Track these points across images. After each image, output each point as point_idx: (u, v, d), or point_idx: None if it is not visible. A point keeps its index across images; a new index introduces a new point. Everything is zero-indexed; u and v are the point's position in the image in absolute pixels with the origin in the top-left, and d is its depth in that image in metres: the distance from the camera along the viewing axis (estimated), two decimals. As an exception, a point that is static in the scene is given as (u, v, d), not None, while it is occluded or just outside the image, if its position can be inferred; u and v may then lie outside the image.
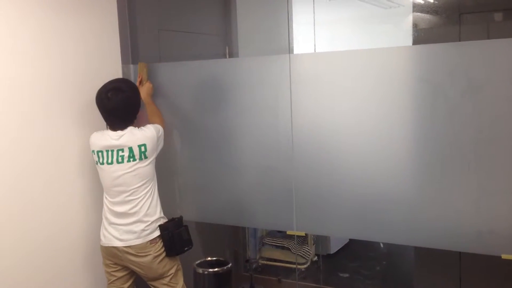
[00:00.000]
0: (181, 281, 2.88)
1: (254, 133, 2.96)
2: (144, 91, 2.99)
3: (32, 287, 2.72)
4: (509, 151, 2.35)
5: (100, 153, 2.72)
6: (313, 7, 3.71)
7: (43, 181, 2.77)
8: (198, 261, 3.36)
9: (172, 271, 2.82)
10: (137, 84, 2.99)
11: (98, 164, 2.75)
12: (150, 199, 2.75)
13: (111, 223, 2.76)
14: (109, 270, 2.84)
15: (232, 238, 4.37)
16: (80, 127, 2.95)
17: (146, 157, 2.72)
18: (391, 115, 2.61)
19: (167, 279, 2.82)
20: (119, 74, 3.18)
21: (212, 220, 3.19)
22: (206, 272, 3.29)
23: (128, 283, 2.88)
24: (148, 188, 2.75)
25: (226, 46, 4.18)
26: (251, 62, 2.95)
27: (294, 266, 4.21)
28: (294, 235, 3.68)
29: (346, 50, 2.68)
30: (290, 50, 3.79)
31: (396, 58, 2.57)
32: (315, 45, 3.82)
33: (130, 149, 2.68)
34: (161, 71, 3.20)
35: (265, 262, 4.40)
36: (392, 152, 2.63)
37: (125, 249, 2.72)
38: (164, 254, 2.77)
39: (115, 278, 2.84)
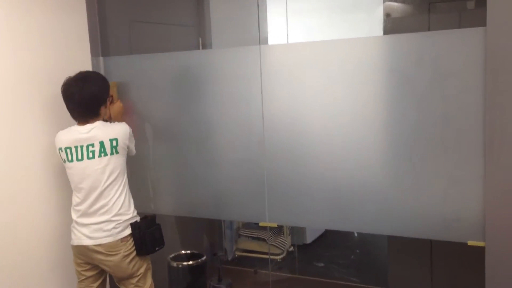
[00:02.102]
0: (149, 282, 2.84)
1: (226, 125, 2.95)
2: (114, 110, 2.92)
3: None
4: (475, 140, 2.38)
5: (68, 150, 2.66)
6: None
7: (8, 179, 2.72)
8: (173, 255, 3.34)
9: (141, 270, 2.78)
10: (108, 104, 2.87)
11: (67, 162, 2.68)
12: (122, 196, 2.70)
13: (80, 222, 2.70)
14: (79, 269, 2.80)
15: (208, 230, 4.37)
16: (47, 123, 2.90)
17: (117, 152, 2.67)
18: (361, 105, 2.62)
19: (135, 279, 2.77)
20: (88, 67, 3.13)
21: (186, 214, 3.18)
22: (180, 266, 3.28)
23: (97, 283, 2.83)
24: (120, 184, 2.69)
25: (199, 38, 4.15)
26: (221, 53, 2.95)
27: (270, 257, 4.23)
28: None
29: (315, 41, 2.68)
30: (260, 41, 3.79)
31: (364, 49, 2.58)
32: (287, 36, 3.81)
33: (101, 144, 2.63)
34: (132, 63, 3.17)
35: (241, 253, 4.41)
36: (362, 143, 2.65)
37: (95, 247, 2.67)
38: (134, 253, 2.72)
39: (84, 277, 2.80)
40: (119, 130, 2.71)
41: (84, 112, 2.67)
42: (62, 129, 2.74)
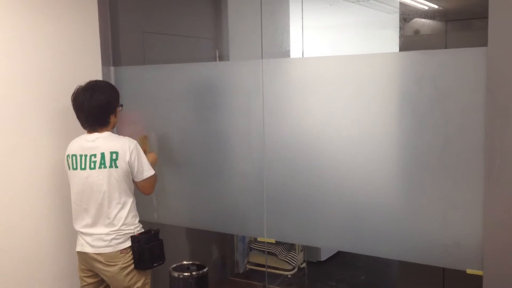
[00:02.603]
0: None
1: (227, 137, 2.94)
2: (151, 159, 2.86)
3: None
4: (476, 163, 2.28)
5: (74, 157, 2.69)
6: (302, 11, 3.66)
7: (13, 187, 2.79)
8: (174, 265, 3.33)
9: (139, 285, 2.75)
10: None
11: (71, 169, 2.71)
12: (125, 209, 2.68)
13: (83, 231, 2.72)
14: (82, 274, 2.82)
15: (220, 242, 4.35)
16: (56, 132, 2.96)
17: (116, 166, 2.63)
18: (361, 123, 2.56)
19: None
20: (99, 76, 3.18)
21: (185, 224, 3.18)
22: (181, 276, 3.27)
23: None
24: (121, 197, 2.67)
25: (216, 50, 4.16)
26: (224, 66, 2.95)
27: (280, 272, 4.17)
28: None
29: (316, 57, 2.65)
30: (282, 54, 3.77)
31: (365, 65, 2.53)
32: (303, 51, 3.78)
33: (102, 155, 2.63)
34: (143, 74, 3.21)
35: (252, 267, 4.37)
36: (362, 163, 2.58)
37: (95, 256, 2.69)
38: (132, 266, 2.71)
39: (86, 283, 2.83)
40: (122, 144, 2.66)
41: (93, 121, 2.69)
42: (71, 138, 2.77)
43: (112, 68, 3.26)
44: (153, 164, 2.86)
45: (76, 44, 3.06)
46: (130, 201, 2.72)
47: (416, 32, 3.46)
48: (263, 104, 2.78)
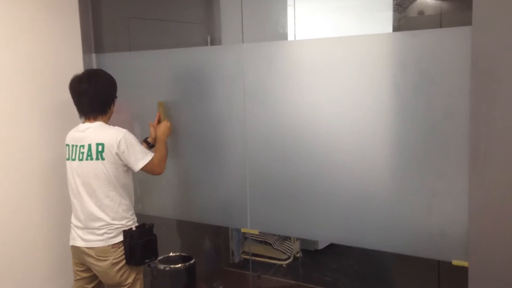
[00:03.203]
0: None
1: (209, 126, 2.85)
2: (160, 129, 2.82)
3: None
4: (460, 150, 2.16)
5: (67, 147, 2.63)
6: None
7: (4, 181, 2.75)
8: (160, 257, 3.27)
9: (130, 280, 2.67)
10: (155, 123, 2.88)
11: (66, 160, 2.65)
12: (116, 203, 2.59)
13: (75, 224, 2.66)
14: (75, 268, 2.76)
15: (214, 232, 4.28)
16: (39, 125, 2.89)
17: (103, 158, 2.54)
18: (345, 110, 2.45)
19: None
20: (79, 64, 3.11)
21: (168, 215, 3.11)
22: (167, 268, 3.21)
23: (92, 284, 2.78)
24: (111, 190, 2.57)
25: (208, 35, 4.05)
26: (206, 51, 2.84)
27: (275, 261, 4.09)
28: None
29: (296, 40, 2.54)
30: (281, 37, 3.64)
31: (346, 48, 2.41)
32: (295, 33, 3.65)
33: (89, 146, 2.55)
34: (127, 60, 3.12)
35: (247, 257, 4.29)
36: (346, 151, 2.47)
37: (86, 250, 2.62)
38: (123, 262, 2.63)
39: (79, 277, 2.77)
40: (109, 136, 2.55)
41: (96, 107, 2.60)
42: (55, 131, 2.74)
43: (94, 56, 3.17)
44: (164, 135, 2.78)
45: (54, 32, 2.98)
46: (120, 195, 2.61)
47: (415, 12, 3.32)
48: (244, 90, 2.68)
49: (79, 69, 3.05)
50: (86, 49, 3.14)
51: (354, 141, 2.44)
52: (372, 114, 2.38)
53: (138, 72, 3.05)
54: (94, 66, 3.15)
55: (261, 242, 4.22)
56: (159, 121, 2.91)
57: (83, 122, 2.64)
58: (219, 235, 4.31)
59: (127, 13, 3.42)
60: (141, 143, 2.76)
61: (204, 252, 4.19)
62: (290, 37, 3.84)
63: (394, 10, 3.29)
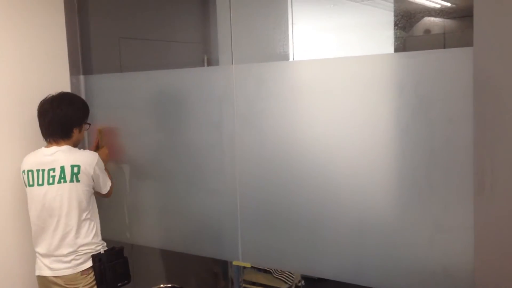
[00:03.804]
0: None
1: (198, 150, 2.70)
2: (101, 157, 2.69)
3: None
4: (464, 181, 1.97)
5: (30, 173, 2.50)
6: (291, 9, 3.37)
7: None
8: (152, 288, 3.11)
9: None
10: (92, 148, 2.84)
11: (27, 186, 2.53)
12: (85, 227, 2.51)
13: (41, 252, 2.53)
14: None
15: (213, 259, 4.09)
16: (17, 144, 2.75)
17: (78, 180, 2.47)
18: (343, 136, 2.28)
19: None
20: (67, 86, 2.99)
21: (155, 245, 2.95)
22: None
23: None
24: (81, 214, 2.50)
25: (205, 55, 3.91)
26: (192, 73, 2.69)
27: (275, 291, 3.89)
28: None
29: (286, 61, 2.39)
30: (282, 57, 3.49)
31: (341, 69, 2.25)
32: (293, 53, 3.50)
33: (62, 169, 2.46)
34: (116, 82, 2.99)
35: (247, 285, 4.10)
36: (345, 180, 2.29)
37: (54, 279, 2.50)
38: None
39: None
40: (84, 158, 2.52)
41: (55, 131, 2.52)
42: (33, 149, 2.60)
43: (82, 77, 3.05)
44: (105, 161, 2.71)
45: (40, 53, 2.86)
46: (91, 218, 2.55)
47: (416, 31, 3.15)
48: (234, 113, 2.53)
49: (66, 90, 2.92)
50: (74, 71, 3.01)
51: (351, 169, 2.27)
52: (370, 140, 2.20)
53: (125, 94, 2.93)
54: (82, 88, 3.04)
55: (260, 270, 4.03)
56: (97, 147, 2.86)
57: (47, 146, 2.54)
58: (218, 262, 4.13)
59: (118, 33, 3.29)
60: None
61: (202, 281, 4.02)
62: (289, 57, 3.69)
63: (397, 29, 3.12)
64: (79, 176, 2.47)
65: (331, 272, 2.40)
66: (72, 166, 2.46)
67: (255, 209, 2.54)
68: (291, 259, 2.49)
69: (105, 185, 2.64)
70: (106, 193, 2.69)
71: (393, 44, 3.11)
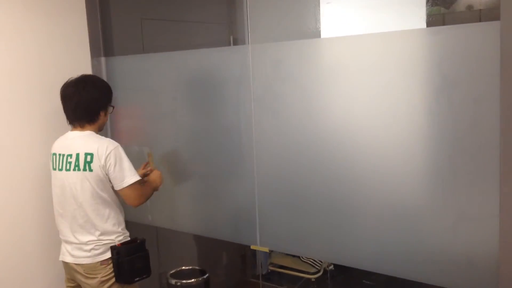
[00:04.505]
0: None
1: (216, 133, 2.64)
2: (151, 177, 2.60)
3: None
4: (490, 166, 1.84)
5: (54, 157, 2.47)
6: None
7: (3, 188, 2.66)
8: (173, 271, 3.09)
9: None
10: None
11: (51, 169, 2.50)
12: (104, 217, 2.42)
13: (63, 238, 2.52)
14: (67, 284, 2.60)
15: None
16: (37, 129, 2.76)
17: (91, 170, 2.36)
18: (365, 115, 2.16)
19: None
20: (88, 69, 2.97)
21: (179, 228, 2.92)
22: (178, 283, 3.02)
23: None
24: (100, 204, 2.40)
25: (231, 35, 3.83)
26: (211, 53, 2.62)
27: (303, 275, 3.84)
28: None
29: (305, 40, 2.28)
30: (313, 35, 3.37)
31: (365, 47, 2.13)
32: (320, 30, 3.36)
33: (77, 156, 2.38)
34: (139, 63, 2.94)
35: (274, 268, 4.06)
36: (366, 163, 2.18)
37: (74, 266, 2.47)
38: (113, 280, 2.45)
39: None
40: (98, 146, 2.37)
41: (81, 114, 2.43)
42: (59, 135, 2.56)
43: (103, 59, 3.02)
44: (154, 182, 2.58)
45: (61, 35, 2.85)
46: (109, 208, 2.44)
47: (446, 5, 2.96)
48: (251, 96, 2.45)
49: (87, 72, 2.91)
50: (95, 52, 2.99)
51: (375, 152, 2.15)
52: (394, 123, 2.08)
53: (145, 75, 2.88)
54: (103, 70, 3.01)
55: (288, 254, 3.97)
56: (144, 172, 2.69)
57: (72, 130, 2.48)
58: (246, 245, 4.10)
59: (140, 14, 3.25)
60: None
61: (229, 263, 4.00)
62: (320, 34, 3.56)
63: (432, 5, 2.94)
64: (91, 165, 2.36)
65: (351, 259, 2.31)
66: (86, 154, 2.37)
67: (273, 193, 2.47)
68: (311, 245, 2.42)
69: (120, 181, 2.38)
70: (126, 196, 2.43)
71: (425, 20, 2.93)
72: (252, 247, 2.58)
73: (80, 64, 2.93)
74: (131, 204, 2.46)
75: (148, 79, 2.86)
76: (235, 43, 3.77)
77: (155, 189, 2.59)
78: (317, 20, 2.83)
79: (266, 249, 2.55)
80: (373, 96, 2.11)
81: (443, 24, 2.75)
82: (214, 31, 3.75)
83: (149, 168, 2.68)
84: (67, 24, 2.87)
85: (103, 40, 3.03)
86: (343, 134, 2.23)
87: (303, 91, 2.30)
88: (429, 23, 2.86)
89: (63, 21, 2.84)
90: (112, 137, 2.83)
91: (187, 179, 2.77)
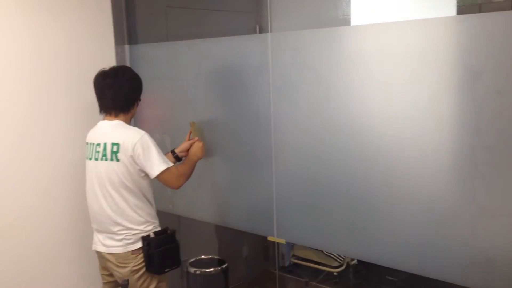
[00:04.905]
0: None
1: (236, 123, 2.62)
2: (192, 150, 2.62)
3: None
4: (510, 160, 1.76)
5: (87, 146, 2.50)
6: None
7: (38, 178, 2.73)
8: (192, 259, 3.10)
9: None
10: (187, 140, 2.69)
11: (86, 158, 2.52)
12: (134, 207, 2.43)
13: (95, 228, 2.55)
14: (101, 272, 2.66)
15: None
16: (63, 116, 2.81)
17: (117, 160, 2.37)
18: (389, 107, 2.09)
19: None
20: (111, 57, 2.99)
21: (197, 217, 2.92)
22: (198, 272, 3.02)
23: None
24: (127, 194, 2.41)
25: (256, 24, 3.78)
26: (228, 42, 2.59)
27: (325, 268, 3.80)
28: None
29: (325, 28, 2.23)
30: (341, 23, 3.30)
31: (390, 36, 2.06)
32: (345, 18, 3.27)
33: (105, 146, 2.39)
34: (163, 51, 2.94)
35: (296, 261, 4.03)
36: (386, 157, 2.11)
37: (106, 255, 2.50)
38: (144, 269, 2.48)
39: (106, 282, 2.67)
40: (125, 136, 2.38)
41: (117, 105, 2.45)
42: (89, 128, 2.58)
43: (127, 47, 3.03)
44: (195, 155, 2.58)
45: (85, 22, 2.88)
46: (138, 198, 2.45)
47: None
48: (270, 85, 2.41)
49: (111, 61, 2.96)
50: (119, 40, 3.00)
51: (396, 144, 2.08)
52: (414, 114, 2.01)
53: (167, 63, 2.88)
54: (127, 58, 3.02)
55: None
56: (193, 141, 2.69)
57: (103, 119, 2.49)
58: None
59: (165, 2, 3.25)
60: (167, 153, 2.61)
61: (250, 254, 3.99)
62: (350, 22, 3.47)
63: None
64: (118, 155, 2.37)
65: (369, 254, 2.26)
66: (113, 144, 2.38)
67: (291, 184, 2.44)
68: (328, 238, 2.37)
69: (151, 169, 2.38)
70: (164, 181, 2.45)
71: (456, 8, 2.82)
72: (269, 238, 2.56)
73: (104, 52, 2.96)
74: (171, 187, 2.50)
75: (170, 67, 2.86)
76: (261, 31, 3.73)
77: (196, 161, 2.58)
78: (342, 7, 2.76)
79: (283, 241, 2.52)
80: (396, 87, 2.04)
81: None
82: (240, 19, 3.71)
83: (195, 139, 2.65)
84: (91, 12, 2.90)
85: (128, 28, 3.04)
86: (364, 126, 2.17)
87: (324, 81, 2.25)
88: (463, 12, 2.75)
89: (87, 9, 2.87)
90: (136, 125, 2.86)
91: (205, 168, 2.75)
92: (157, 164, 2.39)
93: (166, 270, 2.51)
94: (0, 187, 2.60)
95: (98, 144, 2.42)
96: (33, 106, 2.70)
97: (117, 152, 2.37)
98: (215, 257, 3.15)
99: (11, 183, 2.63)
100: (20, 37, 2.61)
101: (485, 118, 1.81)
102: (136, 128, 2.45)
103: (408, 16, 2.07)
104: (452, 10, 2.69)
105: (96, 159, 2.42)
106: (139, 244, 2.46)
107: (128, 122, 2.50)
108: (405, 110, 2.02)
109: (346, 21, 3.02)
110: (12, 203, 2.65)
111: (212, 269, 3.03)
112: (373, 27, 2.09)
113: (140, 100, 2.55)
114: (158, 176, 2.41)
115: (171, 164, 2.44)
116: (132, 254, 2.45)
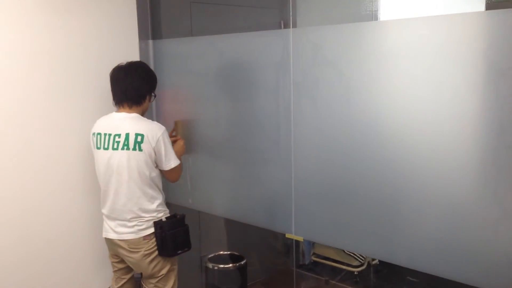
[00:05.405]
0: (170, 284, 2.64)
1: (253, 119, 2.61)
2: (175, 148, 2.69)
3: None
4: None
5: (99, 136, 2.56)
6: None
7: (54, 170, 2.77)
8: (211, 255, 3.11)
9: (163, 272, 2.60)
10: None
11: (95, 148, 2.59)
12: (148, 195, 2.52)
13: (107, 215, 2.61)
14: (111, 260, 2.75)
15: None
16: (86, 108, 2.84)
17: (140, 150, 2.46)
18: (412, 105, 2.05)
19: (155, 280, 2.61)
20: (135, 52, 3.01)
21: (216, 213, 2.93)
22: (216, 268, 3.03)
23: (129, 275, 2.75)
24: (145, 183, 2.50)
25: (281, 19, 3.77)
26: (249, 37, 2.58)
27: (346, 267, 3.77)
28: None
29: (347, 24, 2.20)
30: (293, 23, 3.26)
31: (414, 32, 2.02)
32: (377, 15, 3.22)
33: (127, 136, 2.47)
34: (186, 46, 2.95)
35: (317, 259, 4.01)
36: (407, 156, 2.07)
37: (118, 242, 2.57)
38: (156, 253, 2.56)
39: (116, 269, 2.75)
40: (150, 128, 2.50)
41: (130, 97, 2.54)
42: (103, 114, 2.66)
43: (150, 42, 3.05)
44: (179, 153, 2.70)
45: (109, 17, 2.90)
46: (151, 187, 2.54)
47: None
48: (291, 82, 2.39)
49: (134, 55, 2.98)
50: (143, 35, 3.02)
51: (417, 143, 2.03)
52: (438, 112, 1.96)
53: (189, 58, 2.89)
54: (151, 53, 3.04)
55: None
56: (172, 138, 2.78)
57: (117, 111, 2.57)
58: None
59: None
60: None
61: (270, 251, 3.98)
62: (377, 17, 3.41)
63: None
64: (141, 145, 2.46)
65: (388, 255, 2.22)
66: (137, 135, 2.46)
67: (310, 181, 2.42)
68: (346, 237, 2.34)
69: (168, 162, 2.54)
70: (170, 175, 2.62)
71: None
72: (287, 235, 2.54)
73: (128, 46, 2.98)
74: (173, 181, 2.67)
75: (193, 62, 2.86)
76: (286, 27, 3.71)
77: (180, 158, 2.69)
78: (366, 2, 2.73)
79: (300, 238, 2.50)
80: (420, 83, 2.00)
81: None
82: (266, 15, 3.71)
83: (177, 137, 2.82)
84: (116, 6, 2.91)
85: (152, 23, 3.06)
86: (385, 124, 2.13)
87: (344, 77, 2.22)
88: (492, 8, 2.68)
89: (113, 3, 2.89)
90: (157, 118, 2.89)
91: (224, 163, 2.76)
92: (173, 158, 2.56)
93: (179, 252, 2.60)
94: (19, 178, 2.64)
95: (118, 135, 2.48)
96: (54, 101, 2.73)
97: (141, 142, 2.46)
98: (234, 253, 3.15)
99: (29, 174, 2.68)
100: (42, 33, 2.65)
101: (510, 117, 1.76)
102: (156, 123, 2.58)
103: (434, 11, 2.03)
104: (481, 6, 2.63)
105: (115, 149, 2.49)
106: (151, 230, 2.55)
107: (142, 115, 2.60)
108: (428, 108, 1.98)
109: (370, 17, 2.99)
110: (33, 193, 2.71)
111: (231, 265, 3.03)
112: (397, 22, 2.06)
113: (155, 95, 2.65)
114: (169, 170, 2.57)
115: (180, 161, 2.61)
116: (144, 239, 2.54)
